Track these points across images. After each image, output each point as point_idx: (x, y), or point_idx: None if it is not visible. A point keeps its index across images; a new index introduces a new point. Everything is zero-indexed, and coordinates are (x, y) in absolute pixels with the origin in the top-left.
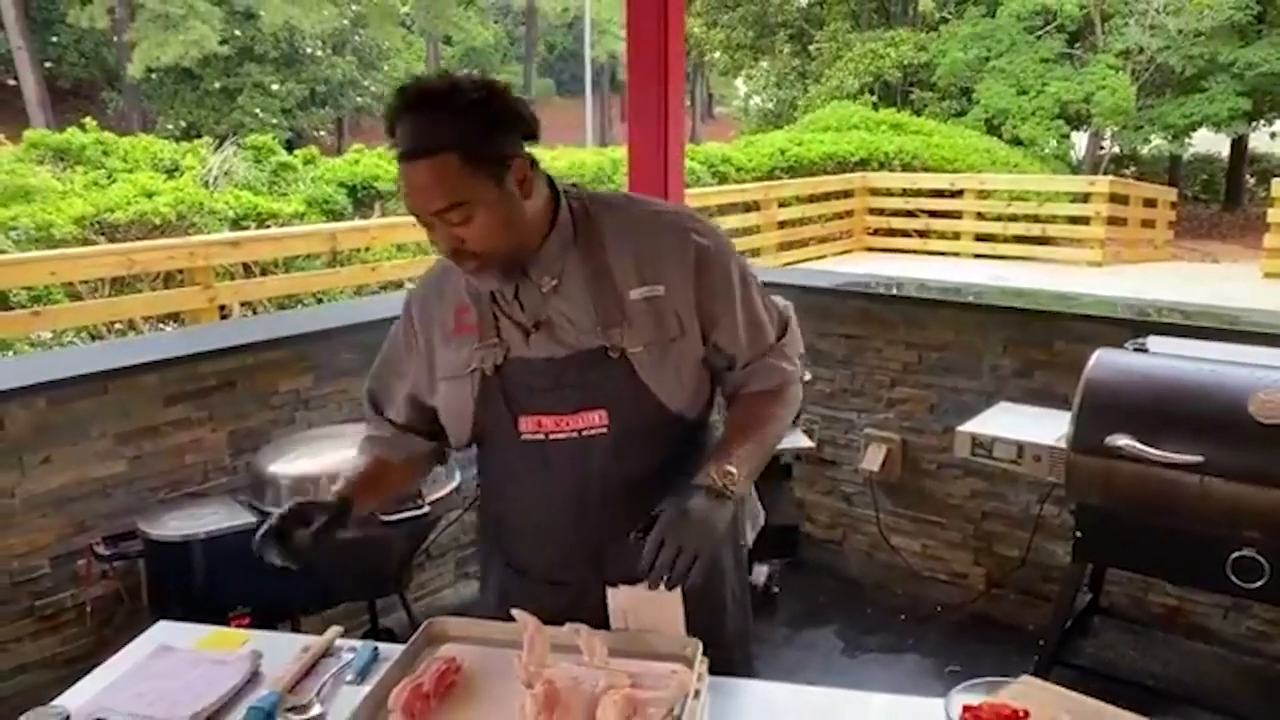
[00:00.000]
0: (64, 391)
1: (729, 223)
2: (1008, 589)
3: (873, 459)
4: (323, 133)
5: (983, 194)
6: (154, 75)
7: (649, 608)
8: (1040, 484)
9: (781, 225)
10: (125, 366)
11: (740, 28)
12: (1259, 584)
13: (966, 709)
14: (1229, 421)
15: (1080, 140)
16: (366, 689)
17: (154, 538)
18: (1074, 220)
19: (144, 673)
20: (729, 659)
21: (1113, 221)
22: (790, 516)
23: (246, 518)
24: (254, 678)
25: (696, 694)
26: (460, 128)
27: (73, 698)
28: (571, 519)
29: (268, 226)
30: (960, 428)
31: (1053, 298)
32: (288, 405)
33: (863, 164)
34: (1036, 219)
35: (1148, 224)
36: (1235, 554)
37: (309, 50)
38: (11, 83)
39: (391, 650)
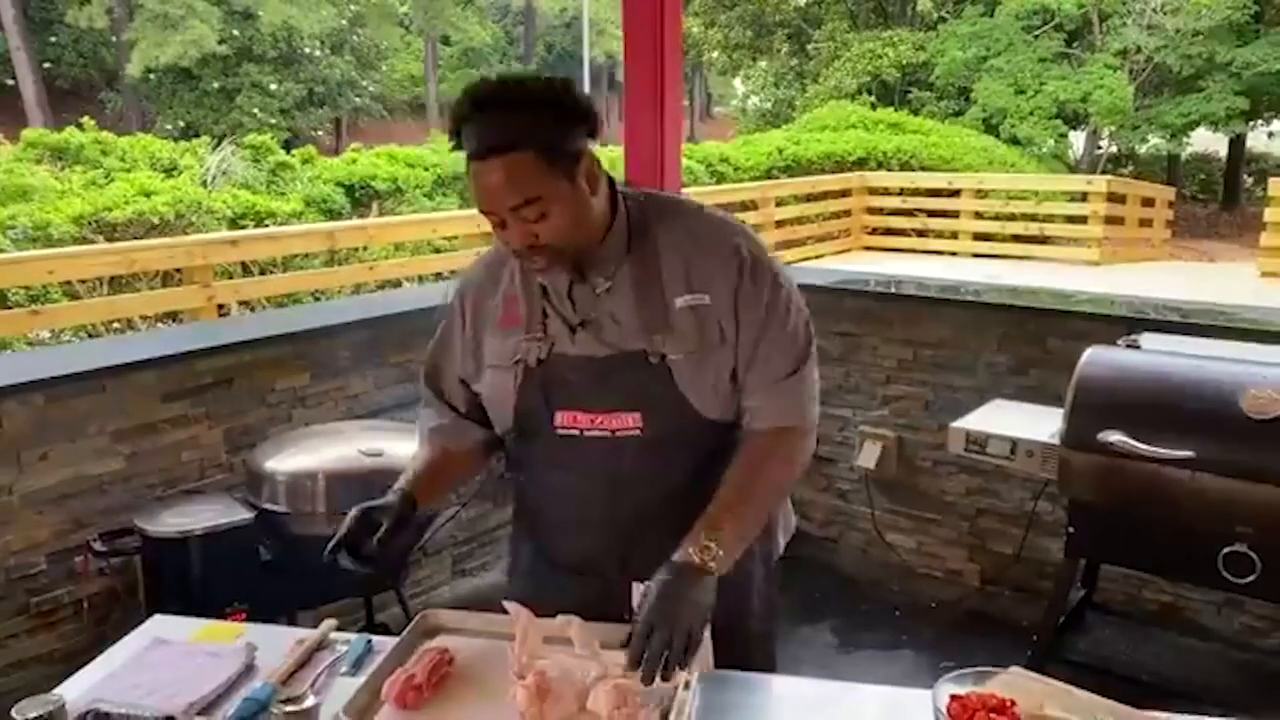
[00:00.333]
0: (62, 389)
1: None
2: (1002, 585)
3: (868, 456)
4: (321, 132)
5: (981, 193)
6: (152, 75)
7: None
8: (1034, 480)
9: (779, 225)
10: (123, 364)
11: (738, 27)
12: (1250, 579)
13: (953, 698)
14: (1220, 417)
15: (1078, 140)
16: (360, 680)
17: (151, 534)
18: (1072, 219)
19: (140, 664)
20: (749, 663)
21: (1110, 221)
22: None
23: (243, 514)
24: (249, 670)
25: (686, 685)
26: (535, 126)
27: (69, 689)
28: (601, 515)
29: (266, 226)
30: (954, 424)
31: (1047, 296)
32: (284, 403)
33: (861, 163)
34: (1034, 218)
35: (1145, 223)
36: (1227, 549)
37: (307, 50)
38: (10, 83)
39: (385, 643)
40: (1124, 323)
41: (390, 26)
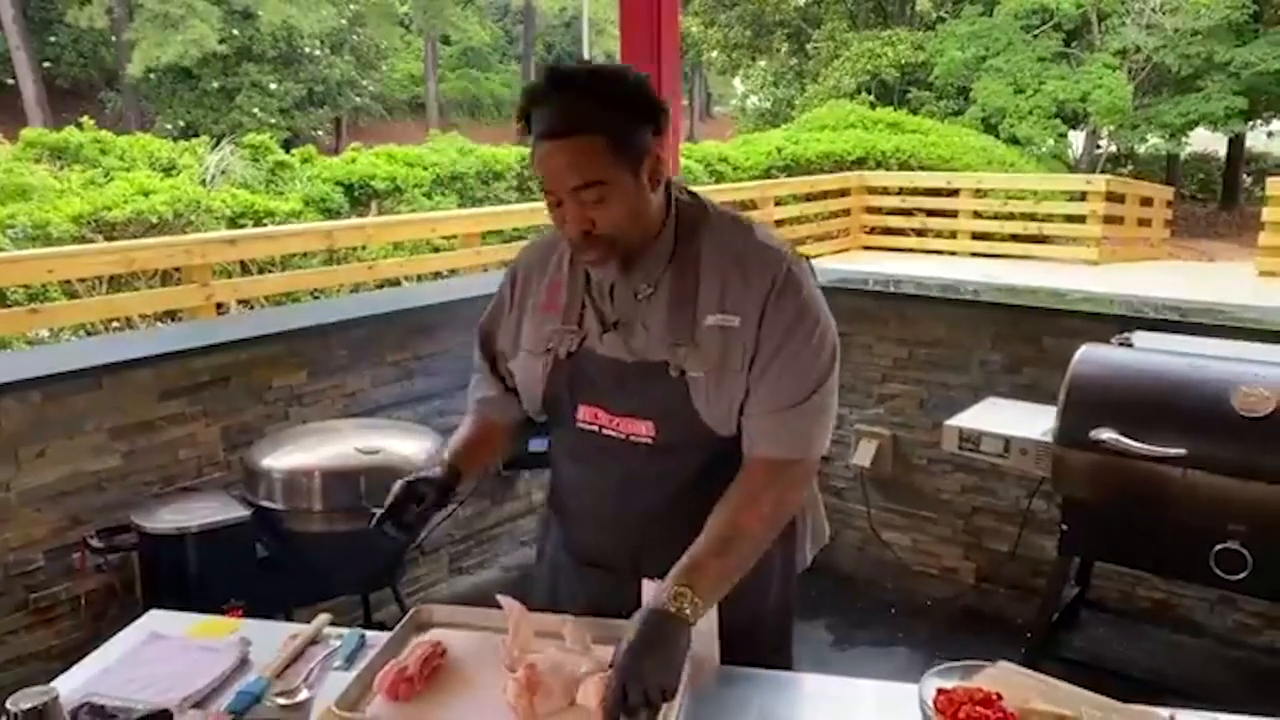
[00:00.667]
0: (59, 386)
1: None
2: (997, 583)
3: (863, 454)
4: (320, 132)
5: (979, 193)
6: (152, 75)
7: None
8: (1029, 479)
9: (778, 224)
10: (120, 361)
11: (738, 27)
12: (1242, 576)
13: (940, 692)
14: (1212, 415)
15: (1077, 139)
16: (354, 674)
17: (148, 531)
18: (1070, 219)
19: (135, 659)
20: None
21: (1109, 220)
22: None
23: (240, 512)
24: (243, 664)
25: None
26: (609, 112)
27: (65, 683)
28: (614, 511)
29: (264, 225)
30: (948, 422)
31: (1042, 294)
32: (281, 401)
33: (860, 163)
34: (1033, 218)
35: (1144, 223)
36: (1219, 547)
37: (307, 50)
38: (10, 82)
39: (379, 637)
40: (1118, 321)
41: (390, 26)
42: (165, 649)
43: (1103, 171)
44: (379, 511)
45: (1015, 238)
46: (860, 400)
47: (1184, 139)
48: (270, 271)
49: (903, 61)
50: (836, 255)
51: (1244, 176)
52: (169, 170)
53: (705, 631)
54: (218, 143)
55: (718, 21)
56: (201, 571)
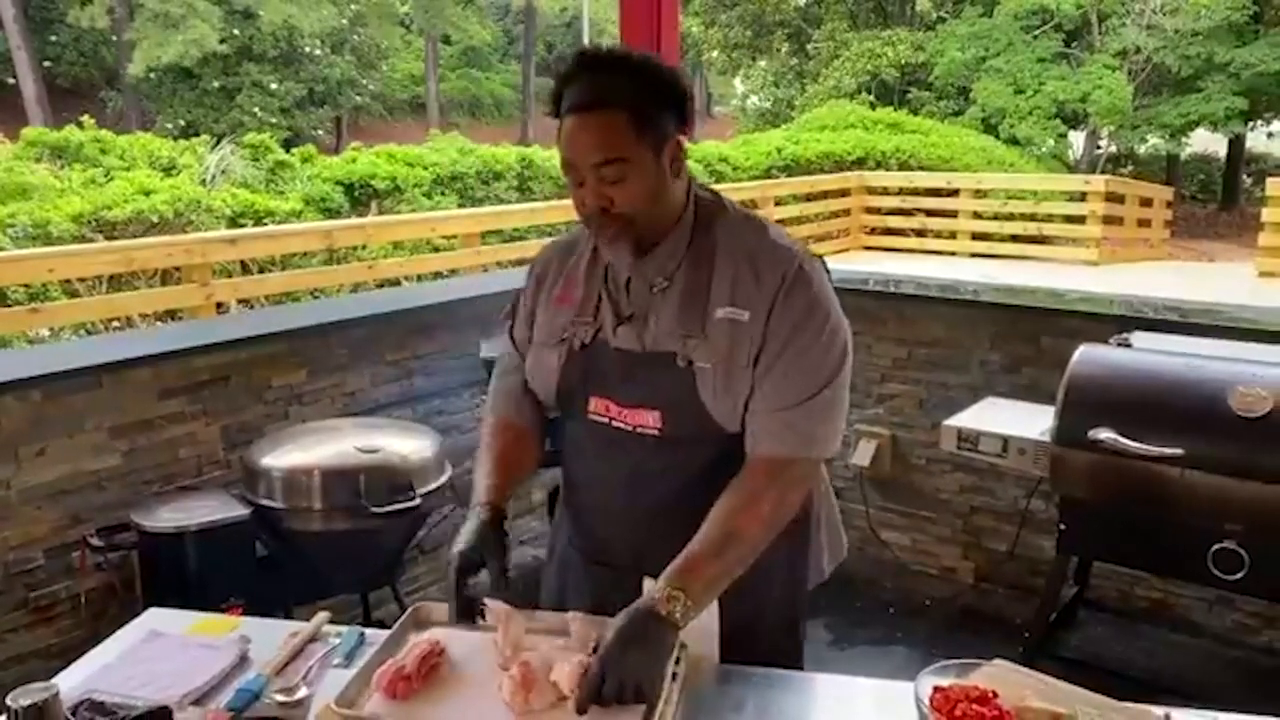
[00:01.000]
0: (59, 385)
1: None
2: (996, 583)
3: (863, 454)
4: (321, 132)
5: (979, 193)
6: (153, 74)
7: (684, 631)
8: (1028, 478)
9: (778, 224)
10: (120, 360)
11: (738, 27)
12: (1239, 576)
13: (936, 690)
14: (1210, 415)
15: (1077, 140)
16: (352, 672)
17: (147, 530)
18: (1070, 219)
19: (135, 656)
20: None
21: (1109, 221)
22: None
23: (240, 511)
24: (242, 661)
25: (674, 676)
26: (633, 90)
27: (64, 680)
28: (621, 504)
29: (264, 224)
30: (946, 422)
31: (1041, 294)
32: (281, 400)
33: (859, 163)
34: (1033, 218)
35: (1144, 223)
36: (1216, 546)
37: (308, 49)
38: (10, 81)
39: (378, 635)
40: (1116, 321)
41: (390, 26)
42: (165, 646)
43: (1103, 172)
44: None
45: (1015, 238)
46: (859, 400)
47: (1184, 139)
48: (270, 271)
49: (903, 62)
50: (836, 255)
51: (1244, 177)
52: (169, 170)
53: (706, 630)
54: (218, 142)
55: (718, 21)
56: (201, 570)
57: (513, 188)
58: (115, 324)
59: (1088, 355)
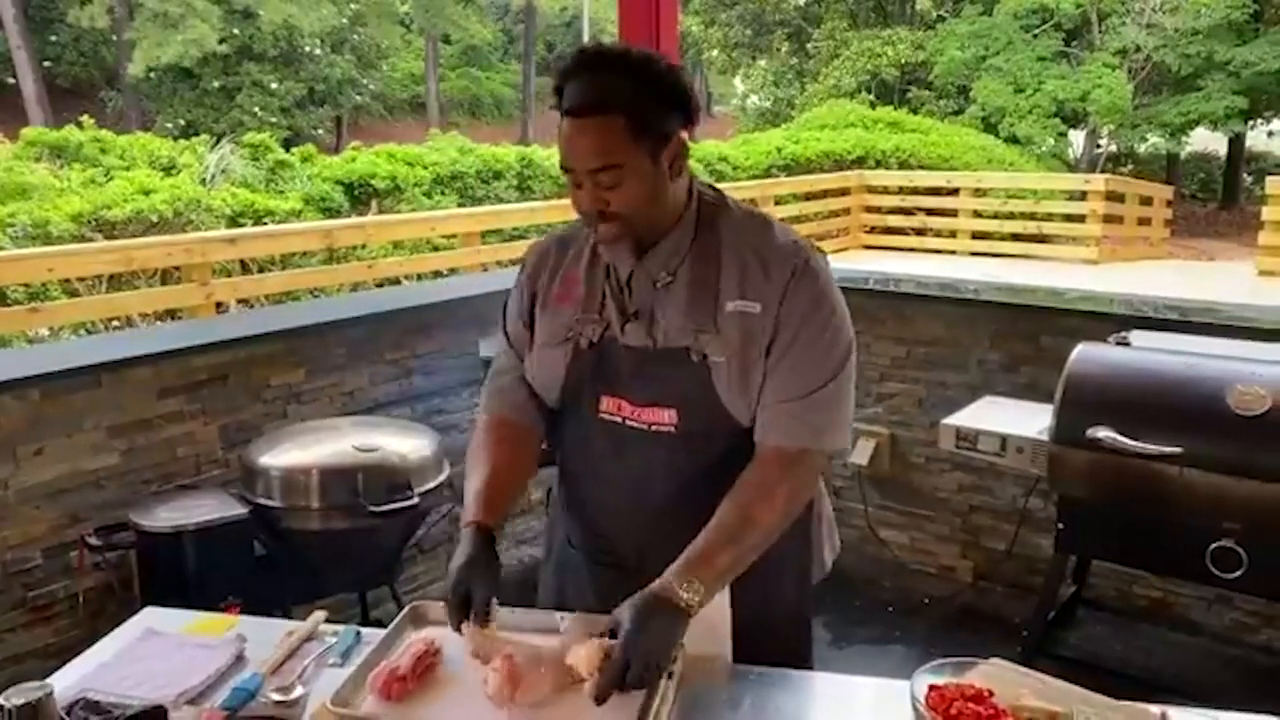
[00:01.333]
0: (57, 384)
1: None
2: (995, 581)
3: (861, 453)
4: (321, 131)
5: (979, 192)
6: (153, 74)
7: (696, 629)
8: (1026, 477)
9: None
10: (118, 360)
11: (738, 26)
12: (1237, 574)
13: (932, 688)
14: (1208, 414)
15: (1077, 139)
16: (349, 671)
17: (146, 529)
18: (1070, 218)
19: (131, 655)
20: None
21: (1109, 219)
22: None
23: (238, 510)
24: (239, 660)
25: (670, 674)
26: (631, 94)
27: (60, 680)
28: (629, 503)
29: (264, 224)
30: (945, 421)
31: (1040, 293)
32: (280, 399)
33: (859, 162)
34: (1033, 217)
35: (1144, 222)
36: (1215, 545)
37: (308, 49)
38: (10, 81)
39: (374, 634)
40: (1115, 320)
41: (390, 25)
42: (161, 646)
43: (1103, 171)
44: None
45: (1015, 237)
46: (858, 399)
47: (1184, 138)
48: (270, 270)
49: (903, 61)
50: (836, 254)
51: (1244, 176)
52: (169, 169)
53: (718, 629)
54: (218, 142)
55: (718, 21)
56: (199, 569)
57: (513, 187)
58: (115, 324)
59: (1086, 354)
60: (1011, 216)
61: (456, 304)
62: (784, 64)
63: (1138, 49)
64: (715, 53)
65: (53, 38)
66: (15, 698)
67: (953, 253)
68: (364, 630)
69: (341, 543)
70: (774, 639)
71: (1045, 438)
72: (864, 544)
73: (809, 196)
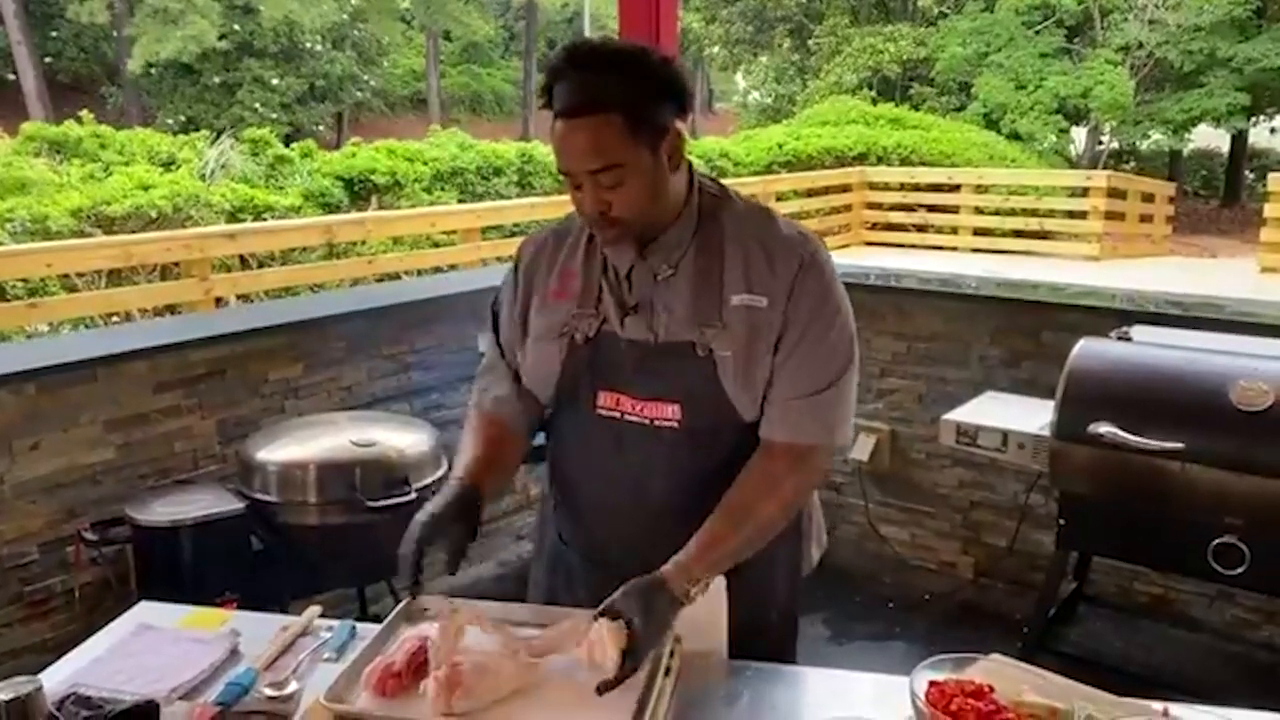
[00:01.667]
0: (54, 378)
1: None
2: (995, 578)
3: (862, 449)
4: (321, 127)
5: (981, 188)
6: (153, 70)
7: (692, 625)
8: (1027, 473)
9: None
10: (115, 354)
11: (739, 22)
12: (1239, 570)
13: (932, 684)
14: (1210, 409)
15: (1079, 135)
16: (343, 666)
17: (142, 524)
18: (1072, 215)
19: (124, 650)
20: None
21: (1111, 216)
22: None
23: (235, 505)
24: (233, 655)
25: (667, 671)
26: (626, 90)
27: (53, 675)
28: (629, 501)
29: (264, 219)
30: (946, 416)
31: (1041, 289)
32: (277, 393)
33: (861, 158)
34: (1035, 213)
35: (1146, 219)
36: (1216, 541)
37: (308, 45)
38: (11, 77)
39: (370, 629)
40: (1116, 315)
41: (391, 21)
42: (155, 640)
43: (1104, 167)
44: (409, 585)
45: (1017, 234)
46: (858, 395)
47: (1186, 135)
48: (270, 266)
49: (904, 57)
50: (838, 251)
51: (1246, 173)
52: (168, 165)
53: (714, 625)
54: (217, 137)
55: (719, 17)
56: (196, 564)
57: (513, 183)
58: (114, 319)
59: (1088, 349)
60: (1013, 213)
61: (454, 299)
62: (785, 60)
63: (1140, 45)
64: (716, 49)
65: (53, 33)
66: (4, 693)
67: (954, 249)
68: (359, 625)
69: (339, 538)
70: (766, 635)
71: (1046, 433)
72: (864, 540)
73: (810, 193)
